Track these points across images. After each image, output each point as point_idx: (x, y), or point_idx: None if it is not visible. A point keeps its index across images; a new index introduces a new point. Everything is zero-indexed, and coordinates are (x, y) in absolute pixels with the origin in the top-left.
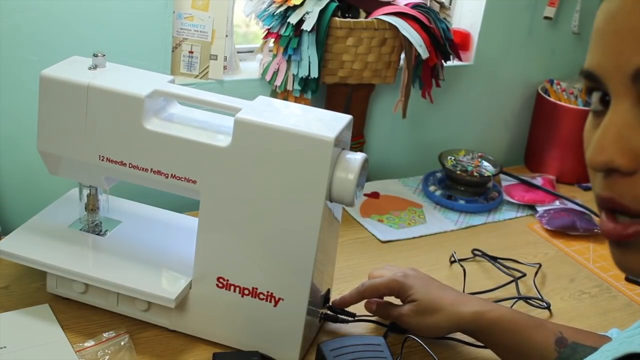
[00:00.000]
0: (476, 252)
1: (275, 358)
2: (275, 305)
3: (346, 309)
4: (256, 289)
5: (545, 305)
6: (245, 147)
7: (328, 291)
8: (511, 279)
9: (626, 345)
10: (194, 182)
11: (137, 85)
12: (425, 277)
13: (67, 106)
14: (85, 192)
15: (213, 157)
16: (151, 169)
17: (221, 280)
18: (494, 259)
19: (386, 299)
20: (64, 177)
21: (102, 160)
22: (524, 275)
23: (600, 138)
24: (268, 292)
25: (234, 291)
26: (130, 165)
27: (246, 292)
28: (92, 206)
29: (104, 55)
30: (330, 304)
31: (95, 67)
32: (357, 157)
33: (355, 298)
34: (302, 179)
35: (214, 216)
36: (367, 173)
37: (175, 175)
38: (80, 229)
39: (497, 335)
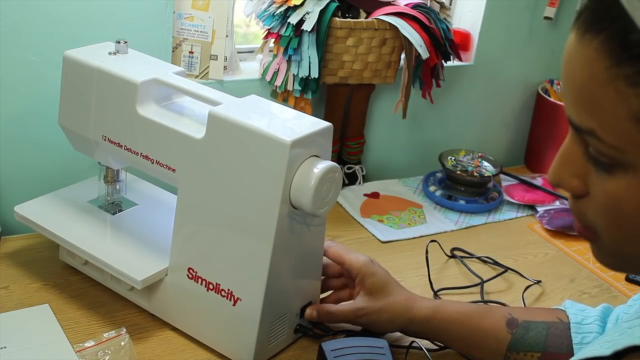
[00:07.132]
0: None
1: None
2: (234, 305)
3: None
4: (219, 285)
5: None
6: (216, 141)
7: (309, 304)
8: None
9: (626, 336)
10: (174, 170)
11: (139, 72)
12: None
13: (80, 86)
14: (103, 172)
15: (189, 148)
16: (140, 153)
17: (191, 271)
18: (494, 260)
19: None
20: (83, 153)
21: (105, 140)
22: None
23: (554, 161)
24: (229, 289)
25: (201, 284)
26: (125, 148)
27: (210, 286)
28: (109, 179)
29: (125, 42)
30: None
31: (116, 52)
32: (323, 165)
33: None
34: (260, 179)
35: (188, 206)
36: (342, 183)
37: (159, 162)
38: (99, 206)
39: (450, 330)
